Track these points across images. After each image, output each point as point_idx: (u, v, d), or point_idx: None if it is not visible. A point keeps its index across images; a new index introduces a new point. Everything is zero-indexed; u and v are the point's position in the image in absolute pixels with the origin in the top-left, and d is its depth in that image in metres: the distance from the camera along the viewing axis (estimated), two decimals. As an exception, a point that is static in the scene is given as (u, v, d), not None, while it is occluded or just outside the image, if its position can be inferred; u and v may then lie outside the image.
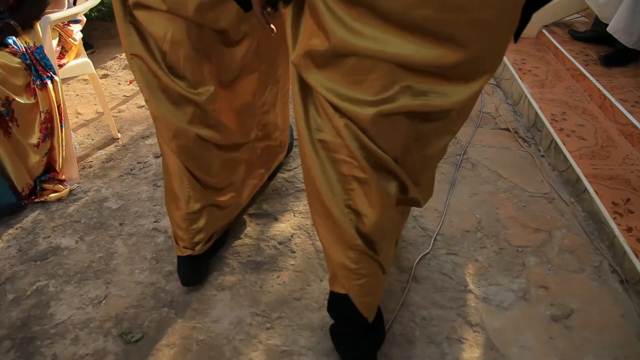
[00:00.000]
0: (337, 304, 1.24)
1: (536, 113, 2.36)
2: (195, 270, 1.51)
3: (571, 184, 2.00)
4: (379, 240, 1.11)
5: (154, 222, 1.80)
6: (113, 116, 2.61)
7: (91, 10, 3.92)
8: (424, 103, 0.89)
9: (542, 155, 2.23)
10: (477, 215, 1.86)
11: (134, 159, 2.20)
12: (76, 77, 3.03)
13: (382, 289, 1.26)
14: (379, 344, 1.31)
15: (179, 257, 1.51)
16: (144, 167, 2.13)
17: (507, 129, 2.43)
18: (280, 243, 1.70)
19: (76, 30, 2.06)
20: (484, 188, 2.01)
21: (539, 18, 3.10)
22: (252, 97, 1.53)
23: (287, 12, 0.94)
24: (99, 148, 2.31)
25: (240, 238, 1.72)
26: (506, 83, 2.77)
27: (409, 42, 0.81)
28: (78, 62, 2.08)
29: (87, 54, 3.48)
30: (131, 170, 2.12)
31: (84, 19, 2.15)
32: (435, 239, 1.74)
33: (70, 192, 1.96)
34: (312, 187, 1.10)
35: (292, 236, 1.73)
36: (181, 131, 1.32)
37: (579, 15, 3.27)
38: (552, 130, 2.19)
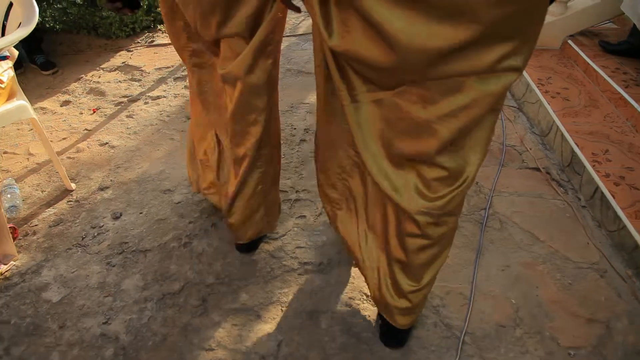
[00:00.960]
0: None
1: (572, 150, 1.96)
2: None
3: (626, 250, 1.61)
4: None
5: (103, 323, 1.41)
6: (70, 157, 2.21)
7: (55, 21, 3.48)
8: None
9: (584, 206, 1.84)
10: (513, 301, 1.48)
11: (87, 222, 1.80)
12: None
13: None
14: None
15: None
16: (98, 235, 1.74)
17: (537, 169, 2.04)
18: (263, 358, 1.31)
19: (5, 68, 1.65)
20: (518, 257, 1.62)
21: (562, 26, 2.69)
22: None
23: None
24: (48, 204, 1.91)
25: (211, 349, 1.33)
26: (531, 108, 2.37)
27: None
28: (9, 107, 1.66)
29: (49, 75, 3.08)
30: (82, 239, 1.72)
31: (15, 53, 1.74)
32: (462, 341, 1.36)
33: (3, 275, 1.57)
34: None
35: (279, 345, 1.34)
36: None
37: (608, 21, 2.86)
38: (595, 176, 1.80)
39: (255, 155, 1.36)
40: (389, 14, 0.82)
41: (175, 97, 2.65)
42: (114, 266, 1.59)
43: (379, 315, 1.36)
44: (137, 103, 2.62)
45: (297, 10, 1.07)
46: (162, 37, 3.43)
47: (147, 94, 2.70)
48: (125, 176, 2.06)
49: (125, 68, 3.01)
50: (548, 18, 2.71)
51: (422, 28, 0.81)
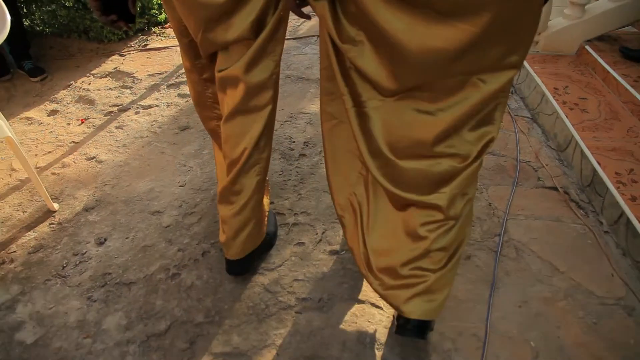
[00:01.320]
0: None
1: (593, 169, 1.82)
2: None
3: (655, 284, 1.47)
4: None
5: (81, 369, 1.28)
6: (54, 173, 2.08)
7: (44, 24, 3.33)
8: None
9: (607, 231, 1.69)
10: (532, 343, 1.34)
11: (69, 248, 1.67)
12: (16, 117, 2.48)
13: None
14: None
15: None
16: (80, 263, 1.61)
17: (555, 188, 1.89)
18: (255, 413, 1.18)
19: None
20: (536, 291, 1.48)
21: (579, 30, 2.53)
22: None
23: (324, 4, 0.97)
24: (29, 227, 1.78)
25: (198, 402, 1.20)
26: (546, 120, 2.22)
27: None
28: (-18, 127, 1.53)
29: (38, 82, 2.94)
30: (63, 268, 1.59)
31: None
32: (478, 393, 1.22)
33: (-26, 311, 1.44)
34: None
35: (273, 398, 1.21)
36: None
37: (628, 25, 2.70)
38: (620, 199, 1.66)
39: (253, 157, 1.30)
40: (392, 17, 0.86)
41: (167, 106, 2.51)
42: (95, 301, 1.46)
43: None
44: (128, 113, 2.48)
45: (307, 17, 1.09)
46: (156, 41, 3.29)
47: (138, 103, 2.56)
48: (112, 195, 1.92)
49: (116, 74, 2.87)
50: (564, 22, 2.56)
51: (424, 31, 0.86)
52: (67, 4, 3.08)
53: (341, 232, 1.66)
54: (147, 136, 2.29)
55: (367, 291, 1.47)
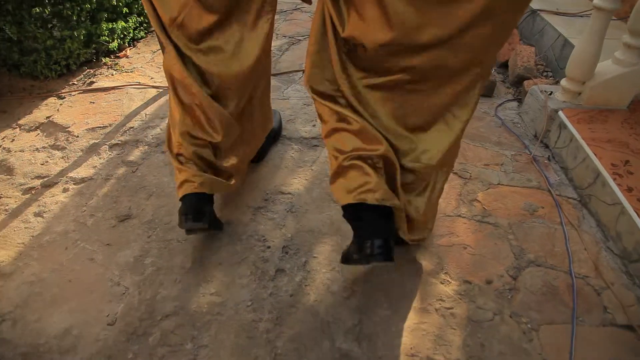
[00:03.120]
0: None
1: (687, 307, 1.29)
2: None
3: None
4: None
5: None
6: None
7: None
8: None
9: None
10: None
11: None
12: None
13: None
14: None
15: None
16: None
17: (630, 327, 1.36)
18: None
19: None
20: None
21: (634, 80, 1.99)
22: None
23: None
24: None
25: None
26: (604, 210, 1.69)
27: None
28: None
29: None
30: None
31: None
32: None
33: None
34: None
35: None
36: None
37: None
38: None
39: None
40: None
41: (106, 180, 1.93)
42: None
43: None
44: (54, 190, 1.89)
45: (308, 2, 1.34)
46: (106, 76, 2.68)
47: (69, 174, 1.97)
48: (9, 342, 1.35)
49: (48, 127, 2.27)
50: (615, 69, 2.00)
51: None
52: (-11, 33, 2.46)
53: None
54: (73, 230, 1.71)
55: None
